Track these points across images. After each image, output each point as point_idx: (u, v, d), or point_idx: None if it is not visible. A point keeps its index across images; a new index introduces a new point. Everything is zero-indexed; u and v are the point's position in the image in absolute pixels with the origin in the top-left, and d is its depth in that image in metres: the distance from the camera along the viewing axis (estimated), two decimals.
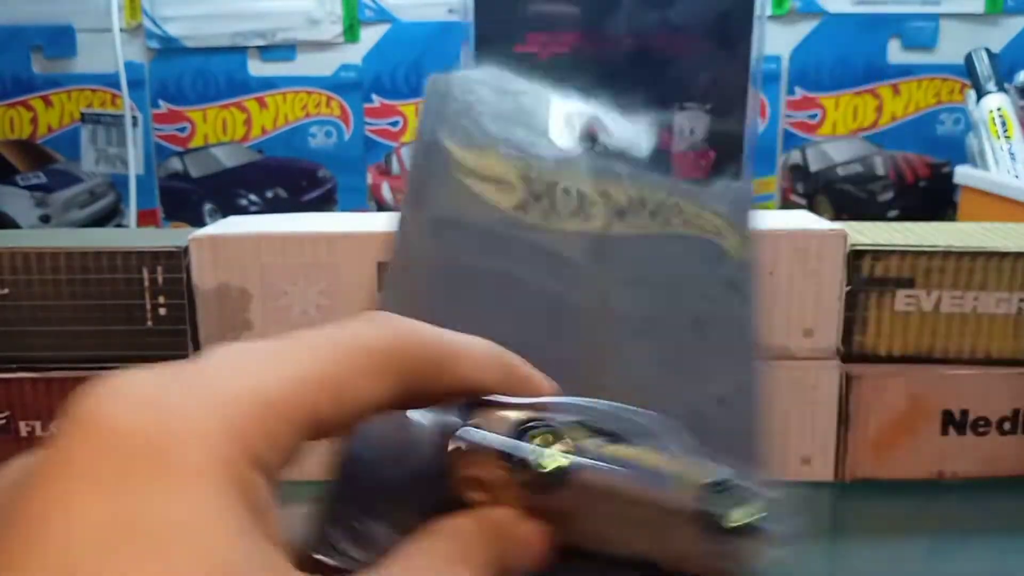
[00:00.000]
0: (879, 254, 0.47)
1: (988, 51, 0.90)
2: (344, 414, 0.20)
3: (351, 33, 1.03)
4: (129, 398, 0.18)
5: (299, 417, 0.19)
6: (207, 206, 1.06)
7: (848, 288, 0.47)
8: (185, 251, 0.48)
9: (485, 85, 0.33)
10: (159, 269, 0.48)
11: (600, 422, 0.23)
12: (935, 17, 1.02)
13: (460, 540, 0.20)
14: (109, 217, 1.06)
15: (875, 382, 0.48)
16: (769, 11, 0.99)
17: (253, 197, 1.05)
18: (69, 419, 0.18)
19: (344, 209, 1.05)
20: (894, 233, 0.49)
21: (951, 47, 1.01)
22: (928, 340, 0.48)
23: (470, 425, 0.22)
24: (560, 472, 0.21)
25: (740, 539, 0.22)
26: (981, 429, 0.49)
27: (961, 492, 0.49)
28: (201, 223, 1.00)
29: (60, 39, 1.02)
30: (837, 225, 0.48)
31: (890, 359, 0.48)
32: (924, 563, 0.45)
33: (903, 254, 0.47)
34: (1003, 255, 0.47)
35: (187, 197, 1.05)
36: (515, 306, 0.29)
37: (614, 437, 0.23)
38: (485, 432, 0.22)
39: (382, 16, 1.02)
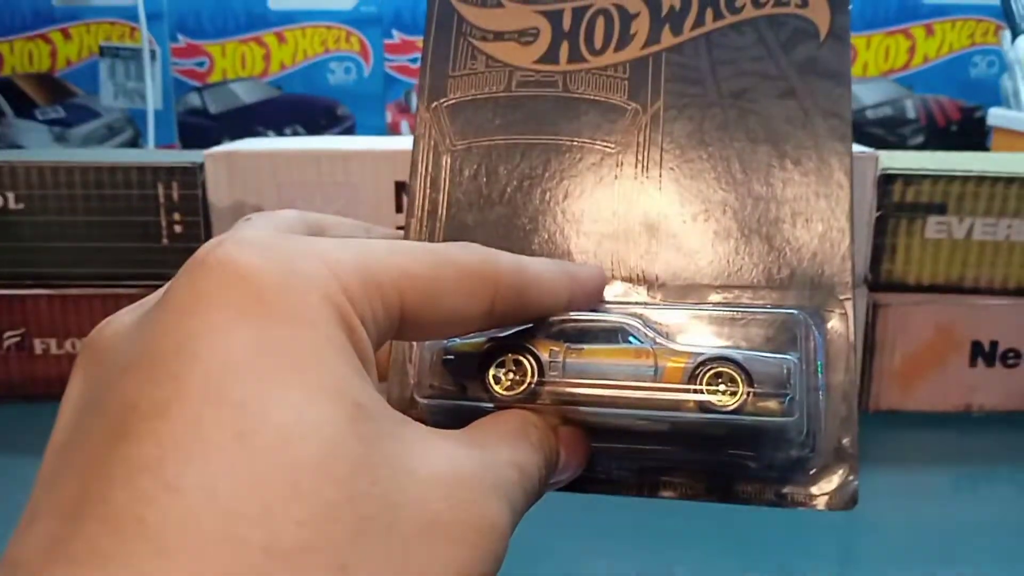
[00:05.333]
0: (911, 178, 0.46)
1: None
2: (434, 319, 0.21)
3: None
4: (252, 246, 0.18)
5: (393, 299, 0.20)
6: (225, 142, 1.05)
7: (878, 213, 0.46)
8: (201, 167, 0.47)
9: None
10: (174, 185, 0.47)
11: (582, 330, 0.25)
12: None
13: (523, 422, 0.23)
14: None
15: (903, 311, 0.47)
16: None
17: (271, 134, 1.04)
18: (193, 264, 0.18)
19: None
20: (926, 160, 0.48)
21: None
22: (959, 269, 0.47)
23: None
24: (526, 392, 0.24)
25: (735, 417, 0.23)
26: (1011, 361, 0.48)
27: (989, 425, 0.48)
28: None
29: None
30: (868, 149, 0.47)
31: (919, 288, 0.47)
32: (949, 496, 0.44)
33: (935, 179, 0.46)
34: None
35: (205, 133, 1.04)
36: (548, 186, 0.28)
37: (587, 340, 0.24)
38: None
39: None
